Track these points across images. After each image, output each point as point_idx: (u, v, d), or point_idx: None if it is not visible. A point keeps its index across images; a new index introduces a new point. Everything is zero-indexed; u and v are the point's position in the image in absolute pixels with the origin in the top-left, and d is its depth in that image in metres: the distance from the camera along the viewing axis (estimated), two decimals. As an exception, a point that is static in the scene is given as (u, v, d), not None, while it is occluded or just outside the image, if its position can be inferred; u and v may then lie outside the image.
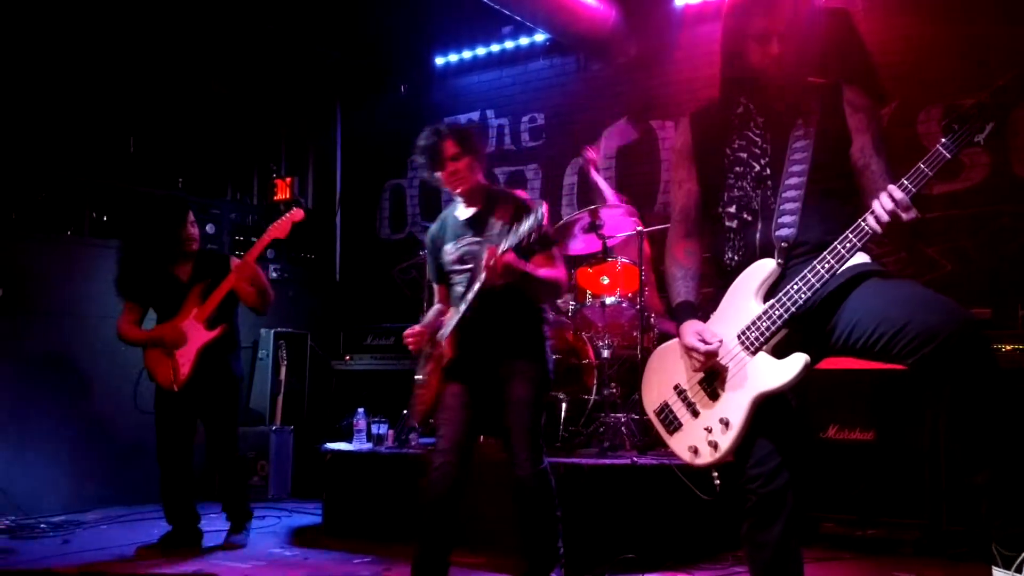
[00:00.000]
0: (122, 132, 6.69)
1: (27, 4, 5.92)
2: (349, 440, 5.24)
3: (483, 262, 3.03)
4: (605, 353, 4.84)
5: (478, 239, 3.30)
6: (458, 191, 3.37)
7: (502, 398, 3.25)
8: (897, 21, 5.35)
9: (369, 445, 5.06)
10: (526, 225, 2.96)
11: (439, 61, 7.45)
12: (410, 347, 3.37)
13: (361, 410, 5.29)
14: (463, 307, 3.20)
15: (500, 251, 3.00)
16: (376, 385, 6.37)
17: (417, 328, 3.42)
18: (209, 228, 6.67)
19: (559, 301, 4.84)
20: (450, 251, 3.40)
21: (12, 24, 5.85)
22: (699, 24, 6.08)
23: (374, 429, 5.12)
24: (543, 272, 3.23)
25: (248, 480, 4.60)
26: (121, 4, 6.24)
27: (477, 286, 3.12)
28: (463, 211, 3.43)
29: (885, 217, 2.07)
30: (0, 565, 4.17)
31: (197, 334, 4.39)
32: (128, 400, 4.97)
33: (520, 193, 3.48)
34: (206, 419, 4.50)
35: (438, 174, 3.35)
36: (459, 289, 3.33)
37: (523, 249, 3.03)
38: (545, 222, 2.98)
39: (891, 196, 2.07)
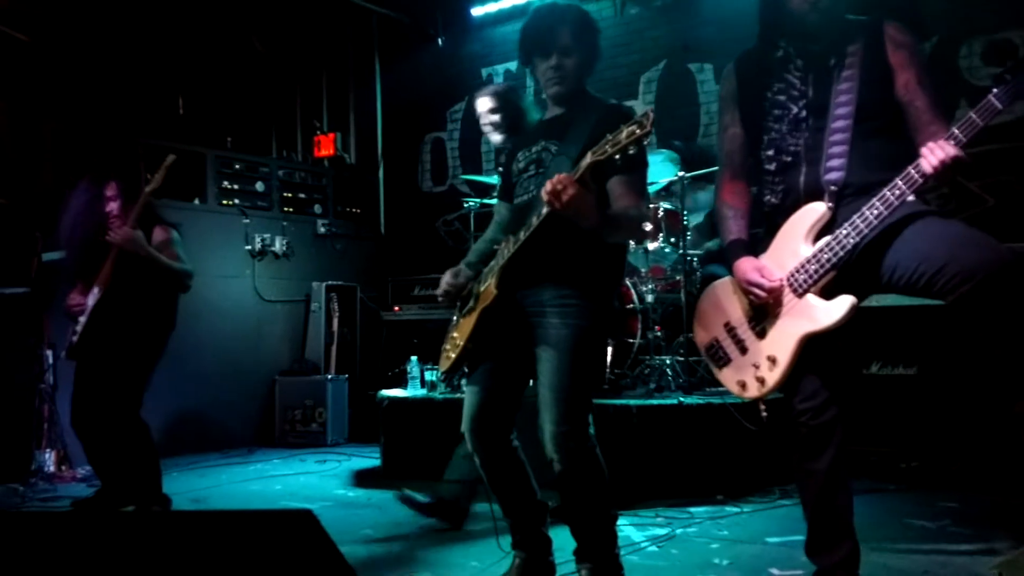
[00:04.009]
0: (171, 93, 6.88)
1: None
2: (401, 387, 5.44)
3: (545, 187, 2.31)
4: (649, 298, 4.94)
5: (555, 143, 2.63)
6: (553, 91, 2.69)
7: (536, 346, 2.58)
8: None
9: (423, 391, 5.25)
10: (624, 133, 2.20)
11: (476, 12, 7.47)
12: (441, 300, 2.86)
13: (414, 358, 5.47)
14: (522, 235, 2.51)
15: (574, 173, 2.30)
16: (425, 333, 6.56)
17: (449, 279, 2.83)
18: (259, 186, 6.88)
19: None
20: (520, 158, 2.76)
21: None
22: (736, -36, 6.05)
23: (427, 376, 5.31)
24: (619, 208, 2.51)
25: (138, 465, 4.03)
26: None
27: (535, 220, 2.45)
28: (548, 112, 2.79)
29: (930, 170, 2.11)
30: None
31: (93, 299, 4.13)
32: (197, 351, 5.17)
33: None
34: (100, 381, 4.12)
35: (539, 63, 2.67)
36: (520, 210, 2.68)
37: (607, 167, 2.32)
38: (650, 132, 2.19)
39: (941, 148, 2.09)
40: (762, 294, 2.38)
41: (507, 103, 3.95)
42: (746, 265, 2.43)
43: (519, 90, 4.05)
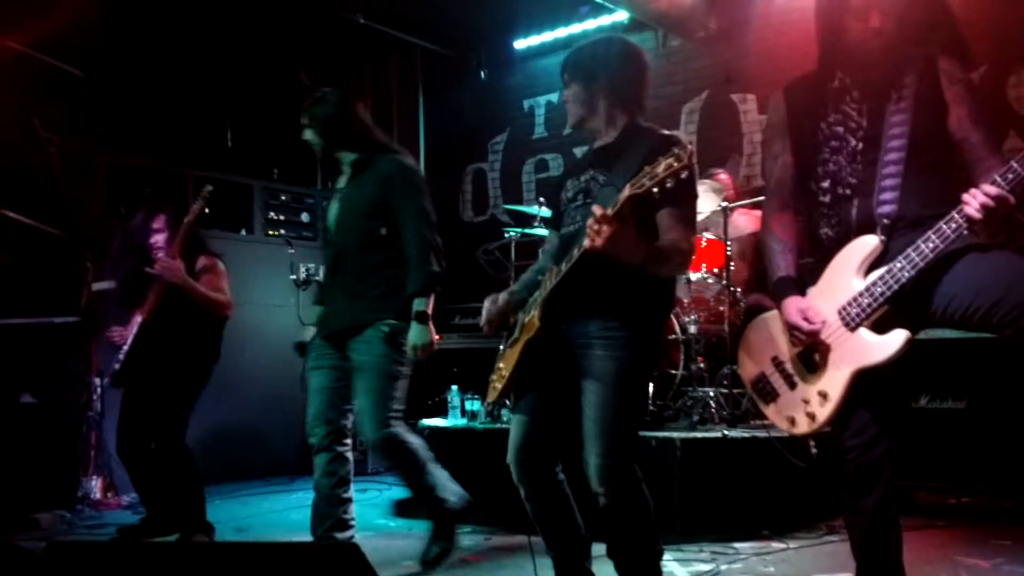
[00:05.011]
0: (220, 126, 7.03)
1: (132, 9, 6.19)
2: (442, 416, 5.44)
3: (588, 222, 2.30)
4: (692, 329, 4.91)
5: (603, 173, 2.63)
6: (569, 124, 2.79)
7: (581, 378, 2.56)
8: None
9: (464, 421, 5.24)
10: (661, 167, 2.19)
11: (519, 45, 7.54)
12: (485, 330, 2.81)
13: (455, 387, 5.48)
14: (564, 267, 2.52)
15: (613, 207, 2.26)
16: (465, 363, 6.54)
17: (497, 303, 2.79)
18: (304, 216, 6.98)
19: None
20: (569, 187, 2.76)
21: (117, 26, 6.16)
22: (779, -5, 6.05)
23: (467, 405, 5.31)
24: (667, 241, 2.51)
25: (182, 492, 4.14)
26: (212, 3, 6.53)
27: (577, 252, 2.44)
28: (598, 140, 2.77)
29: (977, 215, 2.07)
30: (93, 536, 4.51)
31: (135, 328, 4.23)
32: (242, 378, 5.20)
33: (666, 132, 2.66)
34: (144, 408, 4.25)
35: None
36: (567, 240, 2.67)
37: (649, 199, 2.30)
38: (687, 165, 2.19)
39: (984, 192, 2.06)
40: (802, 338, 2.36)
41: (312, 117, 3.59)
42: (790, 307, 2.39)
43: (340, 102, 3.62)
